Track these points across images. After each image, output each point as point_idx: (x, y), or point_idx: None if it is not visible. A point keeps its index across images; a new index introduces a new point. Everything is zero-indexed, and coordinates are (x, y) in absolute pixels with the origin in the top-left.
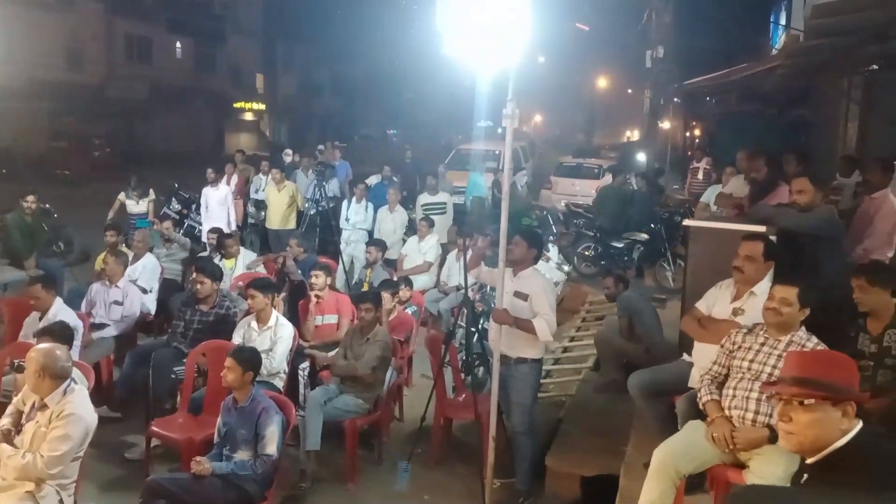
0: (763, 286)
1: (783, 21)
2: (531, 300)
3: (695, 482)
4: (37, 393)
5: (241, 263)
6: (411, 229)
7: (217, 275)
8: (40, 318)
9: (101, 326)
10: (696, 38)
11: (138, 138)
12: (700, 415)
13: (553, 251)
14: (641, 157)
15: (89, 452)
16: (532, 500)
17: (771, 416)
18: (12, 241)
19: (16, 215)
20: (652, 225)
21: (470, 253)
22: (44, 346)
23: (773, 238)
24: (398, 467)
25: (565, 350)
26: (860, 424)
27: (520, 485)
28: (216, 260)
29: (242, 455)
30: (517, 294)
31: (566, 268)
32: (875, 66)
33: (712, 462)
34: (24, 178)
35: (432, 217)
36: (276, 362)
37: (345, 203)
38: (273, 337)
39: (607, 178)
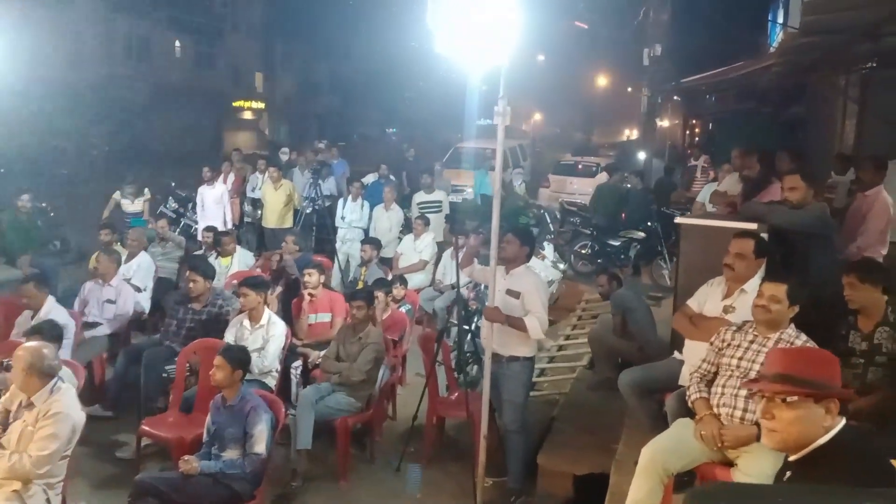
0: (754, 283)
1: (781, 19)
2: (523, 298)
3: (684, 480)
4: (24, 391)
5: (236, 262)
6: (408, 228)
7: (210, 273)
8: (33, 317)
9: (94, 325)
10: (693, 37)
11: (137, 137)
12: (689, 413)
13: (549, 249)
14: (641, 155)
15: (81, 451)
16: (524, 498)
17: None
18: (6, 240)
19: (10, 214)
20: (648, 223)
21: (462, 251)
22: (31, 344)
23: (764, 235)
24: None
25: (560, 348)
26: (843, 421)
27: (512, 483)
28: (212, 258)
29: (231, 454)
30: (509, 292)
31: (562, 266)
32: (873, 64)
33: (701, 460)
34: (21, 178)
35: (428, 215)
36: (267, 361)
37: (340, 201)
38: (265, 335)
39: (602, 177)
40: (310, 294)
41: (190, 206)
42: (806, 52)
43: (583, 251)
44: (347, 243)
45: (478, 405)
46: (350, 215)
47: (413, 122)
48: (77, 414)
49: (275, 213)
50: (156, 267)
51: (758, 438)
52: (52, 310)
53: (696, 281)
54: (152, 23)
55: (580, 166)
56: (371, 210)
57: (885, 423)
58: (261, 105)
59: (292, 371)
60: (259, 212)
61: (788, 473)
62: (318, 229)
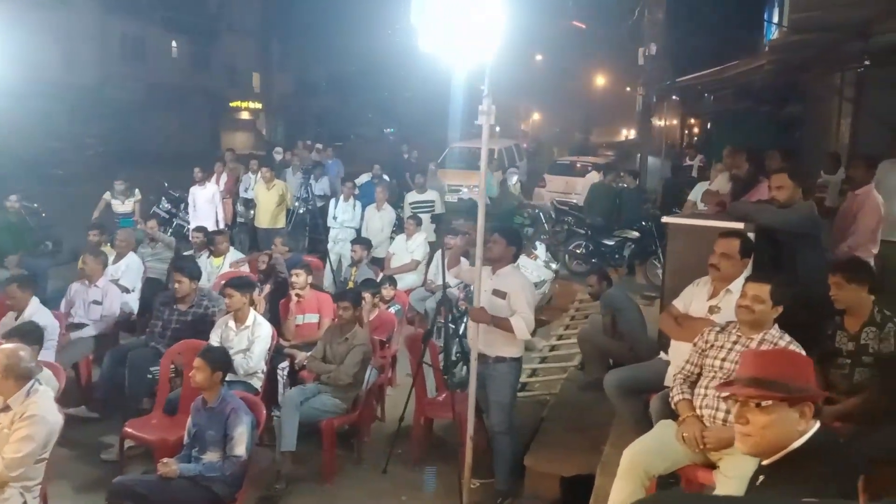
0: (739, 284)
1: (776, 19)
2: (509, 298)
3: (670, 482)
4: (0, 394)
5: (228, 262)
6: (401, 228)
7: (195, 274)
8: (17, 319)
9: (80, 326)
10: (689, 36)
11: (133, 137)
12: (674, 414)
13: (541, 249)
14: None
15: (65, 453)
16: (511, 500)
17: None
18: None
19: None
20: (643, 222)
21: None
22: (7, 346)
23: (750, 235)
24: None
25: (553, 348)
26: (817, 425)
27: (499, 485)
28: (205, 257)
29: (211, 456)
30: (496, 292)
31: (554, 266)
32: (867, 62)
33: (683, 462)
34: (16, 178)
35: (420, 215)
36: (253, 362)
37: (332, 201)
38: (250, 336)
39: (592, 176)
40: (297, 295)
41: (182, 206)
42: (797, 50)
43: (577, 251)
44: (339, 243)
45: (465, 406)
46: (342, 215)
47: (411, 121)
48: (54, 417)
49: (267, 214)
50: (145, 268)
51: None
52: (35, 311)
53: (683, 281)
54: (148, 23)
55: (577, 165)
56: (363, 210)
57: (872, 423)
58: (258, 105)
59: (279, 372)
60: (252, 212)
61: (762, 478)
62: (310, 229)
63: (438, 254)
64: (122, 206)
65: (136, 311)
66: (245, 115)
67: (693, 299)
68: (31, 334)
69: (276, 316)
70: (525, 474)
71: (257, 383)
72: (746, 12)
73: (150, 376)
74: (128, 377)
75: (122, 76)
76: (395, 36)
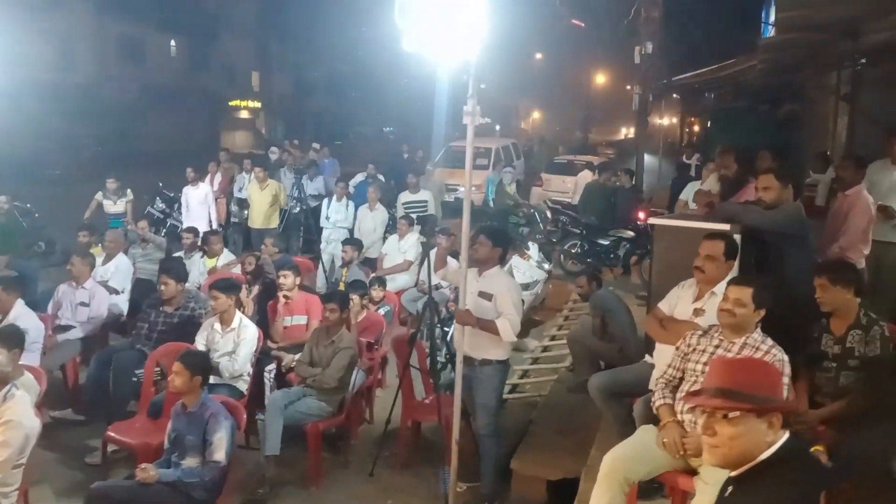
0: (724, 286)
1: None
2: (495, 300)
3: (654, 487)
4: None
5: (221, 263)
6: (394, 228)
7: (182, 276)
8: (1, 321)
9: (68, 328)
10: (685, 35)
11: (131, 138)
12: (657, 419)
13: (533, 249)
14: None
15: (49, 456)
16: (497, 503)
17: None
18: None
19: None
20: (638, 222)
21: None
22: None
23: (736, 237)
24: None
25: (545, 349)
26: (786, 435)
27: (484, 489)
28: (198, 258)
29: (191, 461)
30: (482, 294)
31: (547, 266)
32: (862, 61)
33: (664, 468)
34: (10, 179)
35: (412, 215)
36: (238, 364)
37: (325, 201)
38: (236, 339)
39: (584, 175)
40: (285, 296)
41: (177, 206)
42: (788, 49)
43: (572, 250)
44: (332, 244)
45: (451, 409)
46: (335, 215)
47: (411, 121)
48: (30, 422)
49: (261, 214)
50: (135, 269)
51: None
52: (20, 314)
53: (669, 283)
54: (146, 24)
55: (575, 164)
56: (356, 210)
57: (857, 424)
58: (257, 104)
59: (266, 375)
60: (245, 212)
61: (730, 489)
62: (304, 230)
63: (432, 254)
64: (114, 206)
65: (125, 313)
66: (244, 115)
67: (678, 302)
68: (12, 337)
69: (264, 318)
70: (512, 478)
71: (243, 386)
72: (743, 11)
73: (135, 379)
74: (112, 380)
75: (120, 76)
76: (395, 35)
